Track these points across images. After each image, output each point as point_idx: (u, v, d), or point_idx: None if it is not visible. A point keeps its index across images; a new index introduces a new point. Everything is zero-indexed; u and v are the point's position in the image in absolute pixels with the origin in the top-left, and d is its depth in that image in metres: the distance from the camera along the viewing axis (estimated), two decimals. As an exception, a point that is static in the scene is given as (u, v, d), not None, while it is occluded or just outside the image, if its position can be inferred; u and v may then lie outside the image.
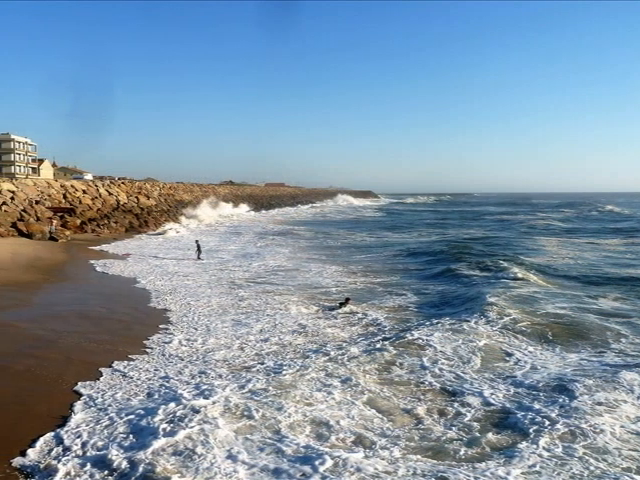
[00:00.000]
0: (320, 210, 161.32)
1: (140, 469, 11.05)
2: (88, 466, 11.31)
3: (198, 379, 16.53)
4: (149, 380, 16.46)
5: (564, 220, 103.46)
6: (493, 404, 14.95)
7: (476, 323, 22.84)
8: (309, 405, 14.65)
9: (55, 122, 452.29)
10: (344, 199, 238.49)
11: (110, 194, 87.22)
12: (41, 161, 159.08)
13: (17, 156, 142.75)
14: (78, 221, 64.66)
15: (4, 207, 59.33)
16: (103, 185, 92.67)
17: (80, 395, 15.07)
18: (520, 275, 34.98)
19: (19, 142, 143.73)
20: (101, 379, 16.34)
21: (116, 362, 17.82)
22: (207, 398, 14.66)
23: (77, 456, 11.73)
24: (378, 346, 19.83)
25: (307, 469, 11.32)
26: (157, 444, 12.03)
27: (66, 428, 12.98)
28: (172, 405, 14.14)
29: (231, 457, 11.69)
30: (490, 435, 13.20)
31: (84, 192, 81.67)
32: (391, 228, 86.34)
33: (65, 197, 75.68)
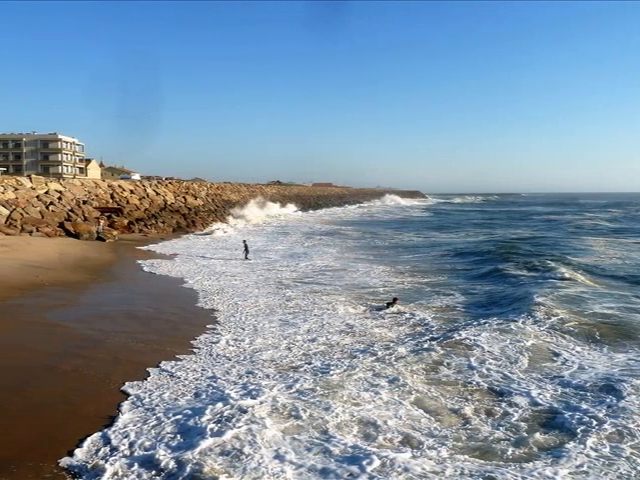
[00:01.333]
0: (367, 210, 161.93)
1: (187, 469, 11.12)
2: (135, 466, 11.41)
3: (245, 379, 16.62)
4: (196, 380, 16.58)
5: (612, 220, 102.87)
6: (540, 404, 14.95)
7: (523, 323, 22.83)
8: (356, 405, 14.66)
9: (103, 122, 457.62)
10: (392, 199, 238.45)
11: (157, 194, 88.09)
12: (88, 161, 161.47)
13: (64, 156, 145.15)
14: (125, 221, 65.44)
15: (51, 207, 60.33)
16: (150, 185, 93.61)
17: (127, 395, 15.23)
18: (567, 275, 34.88)
19: (66, 142, 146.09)
20: (148, 379, 16.50)
21: (164, 362, 17.98)
22: (254, 398, 14.72)
23: (124, 456, 11.84)
24: (425, 346, 19.85)
25: (355, 469, 11.32)
26: (205, 444, 12.10)
27: (113, 428, 13.12)
28: (219, 405, 14.22)
29: (278, 457, 11.72)
30: (537, 435, 13.19)
31: (131, 192, 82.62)
32: (438, 228, 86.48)
33: (112, 197, 76.62)
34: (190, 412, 13.96)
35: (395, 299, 27.20)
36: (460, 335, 21.03)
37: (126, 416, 13.84)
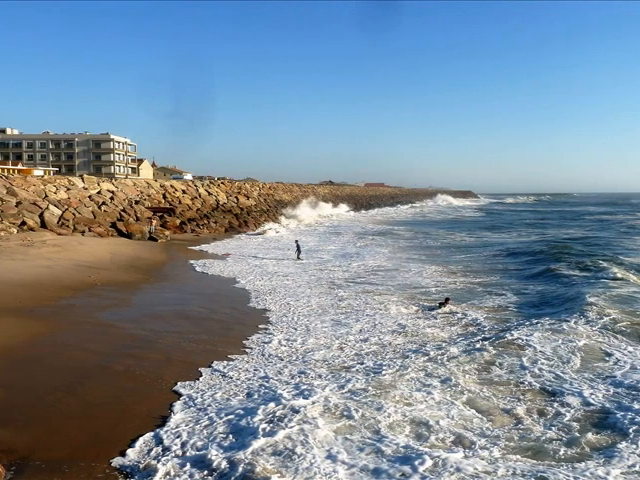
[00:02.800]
0: (420, 210, 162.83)
1: (240, 469, 11.20)
2: (187, 466, 11.53)
3: (298, 379, 16.72)
4: (248, 380, 16.70)
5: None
6: (593, 404, 14.99)
7: (575, 323, 22.84)
8: (409, 405, 14.72)
9: (156, 122, 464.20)
10: (444, 199, 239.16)
11: (209, 194, 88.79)
12: (140, 161, 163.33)
13: (116, 156, 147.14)
14: (177, 221, 66.11)
15: (104, 207, 61.25)
16: (202, 185, 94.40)
17: (180, 395, 15.40)
18: (620, 275, 34.70)
19: (118, 142, 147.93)
20: (200, 379, 16.66)
21: (215, 362, 18.14)
22: (307, 398, 14.80)
23: (177, 456, 11.97)
24: (478, 346, 19.91)
25: (407, 469, 11.37)
26: (257, 444, 12.18)
27: (165, 428, 13.28)
28: (272, 405, 14.31)
29: (331, 457, 11.79)
30: (590, 435, 13.21)
31: (183, 192, 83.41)
32: (490, 228, 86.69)
33: (165, 197, 77.44)
34: (242, 412, 14.06)
35: (447, 299, 27.38)
36: (512, 335, 21.09)
37: (178, 416, 13.99)
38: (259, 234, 67.47)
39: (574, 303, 26.67)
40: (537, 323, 22.97)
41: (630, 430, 13.27)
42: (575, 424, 13.76)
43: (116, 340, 20.38)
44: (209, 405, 14.75)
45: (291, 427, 12.99)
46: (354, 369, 17.75)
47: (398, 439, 12.73)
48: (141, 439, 12.64)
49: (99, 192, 65.76)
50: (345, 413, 14.00)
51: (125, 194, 69.57)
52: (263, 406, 14.27)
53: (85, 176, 75.83)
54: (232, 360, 18.52)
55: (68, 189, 61.78)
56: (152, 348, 19.50)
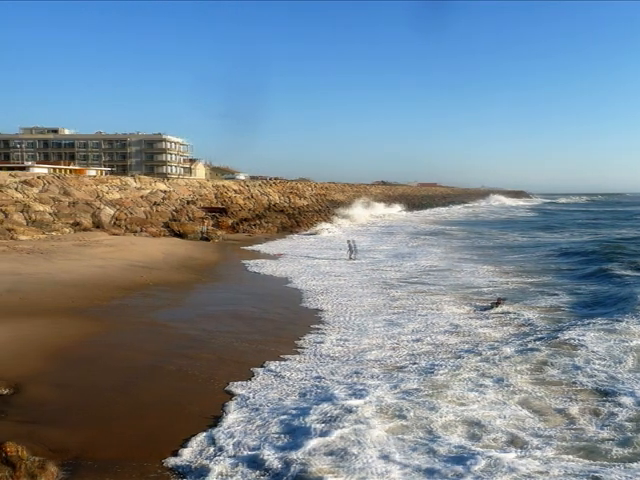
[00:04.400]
0: (472, 210, 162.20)
1: (293, 469, 11.20)
2: (241, 466, 11.54)
3: (351, 379, 16.70)
4: (302, 380, 16.72)
5: None
6: None
7: (628, 323, 22.52)
8: (462, 405, 14.65)
9: (209, 123, 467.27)
10: (496, 199, 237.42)
11: (262, 194, 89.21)
12: (194, 161, 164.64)
13: (170, 156, 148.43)
14: (230, 221, 66.59)
15: (156, 207, 61.83)
16: (255, 185, 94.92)
17: (232, 395, 15.45)
18: (672, 274, 34.17)
19: (172, 142, 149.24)
20: (253, 379, 16.71)
21: (268, 362, 18.18)
22: (360, 398, 14.73)
23: (230, 456, 11.99)
24: (531, 346, 19.74)
25: (460, 469, 11.31)
26: (311, 444, 12.16)
27: (218, 428, 13.33)
28: (325, 405, 14.27)
29: (384, 457, 11.74)
30: None
31: (236, 192, 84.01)
32: (543, 228, 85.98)
33: (217, 197, 77.92)
34: (296, 412, 14.06)
35: (500, 299, 27.29)
36: (565, 335, 20.90)
37: (231, 416, 14.04)
38: (312, 234, 67.61)
39: (627, 303, 26.51)
40: (590, 323, 22.76)
41: (683, 430, 13.14)
42: (628, 424, 13.61)
43: (169, 340, 20.57)
44: (262, 405, 14.78)
45: (345, 427, 12.94)
46: (407, 369, 17.69)
47: (451, 439, 12.68)
48: (194, 439, 12.70)
49: (152, 192, 66.50)
50: (398, 413, 13.93)
51: (178, 194, 70.28)
52: (316, 406, 14.24)
53: (138, 176, 76.75)
54: (285, 360, 18.55)
55: (121, 189, 62.66)
56: (205, 348, 19.63)
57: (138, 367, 17.39)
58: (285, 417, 13.85)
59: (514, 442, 12.69)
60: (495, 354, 18.86)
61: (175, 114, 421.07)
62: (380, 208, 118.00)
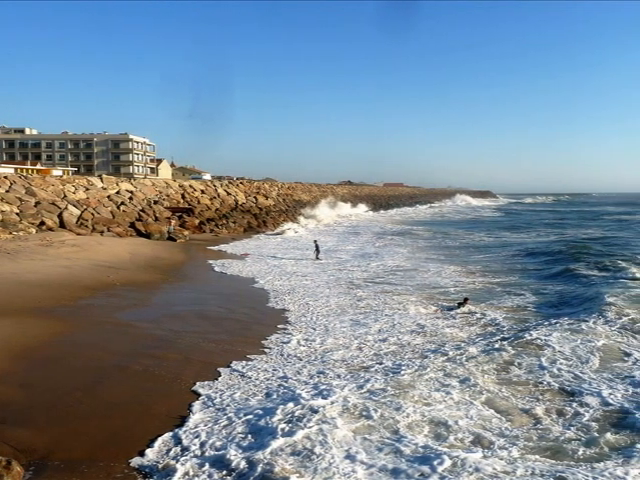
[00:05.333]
0: (439, 210, 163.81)
1: (258, 469, 11.23)
2: (206, 466, 11.57)
3: (317, 379, 16.76)
4: (267, 380, 16.75)
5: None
6: (611, 404, 15.02)
7: (594, 323, 22.90)
8: (427, 405, 14.76)
9: (175, 122, 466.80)
10: (462, 199, 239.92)
11: (228, 194, 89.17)
12: (159, 161, 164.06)
13: (135, 156, 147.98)
14: (196, 221, 66.42)
15: (122, 207, 61.62)
16: (221, 185, 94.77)
17: (198, 395, 15.44)
18: (639, 275, 34.68)
19: (137, 142, 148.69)
20: (219, 379, 16.71)
21: (234, 362, 18.19)
22: (325, 398, 14.83)
23: (195, 456, 12.01)
24: (496, 346, 19.95)
25: (426, 469, 11.39)
26: (276, 444, 12.21)
27: (184, 428, 13.32)
28: (290, 405, 14.35)
29: (349, 457, 11.81)
30: (608, 435, 13.24)
31: (202, 192, 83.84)
32: (509, 228, 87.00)
33: (183, 197, 77.81)
34: (261, 412, 14.10)
35: (466, 299, 27.44)
36: (531, 335, 21.13)
37: (197, 416, 14.04)
38: (278, 234, 67.65)
39: (593, 303, 26.78)
40: (556, 323, 23.05)
41: (650, 430, 13.31)
42: (594, 424, 13.80)
43: (135, 340, 20.50)
44: (228, 405, 14.80)
45: (310, 427, 13.03)
46: (373, 369, 17.79)
47: (417, 439, 12.76)
48: (160, 439, 12.68)
49: (118, 192, 66.18)
50: (364, 413, 14.02)
51: (144, 194, 69.95)
52: (282, 406, 14.30)
53: (104, 176, 76.33)
54: (251, 360, 18.57)
55: (87, 189, 62.21)
56: (171, 348, 19.57)
57: (104, 367, 17.28)
58: (251, 417, 13.88)
59: (480, 442, 12.79)
60: (461, 354, 19.01)
61: (141, 114, 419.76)
62: (346, 208, 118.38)
